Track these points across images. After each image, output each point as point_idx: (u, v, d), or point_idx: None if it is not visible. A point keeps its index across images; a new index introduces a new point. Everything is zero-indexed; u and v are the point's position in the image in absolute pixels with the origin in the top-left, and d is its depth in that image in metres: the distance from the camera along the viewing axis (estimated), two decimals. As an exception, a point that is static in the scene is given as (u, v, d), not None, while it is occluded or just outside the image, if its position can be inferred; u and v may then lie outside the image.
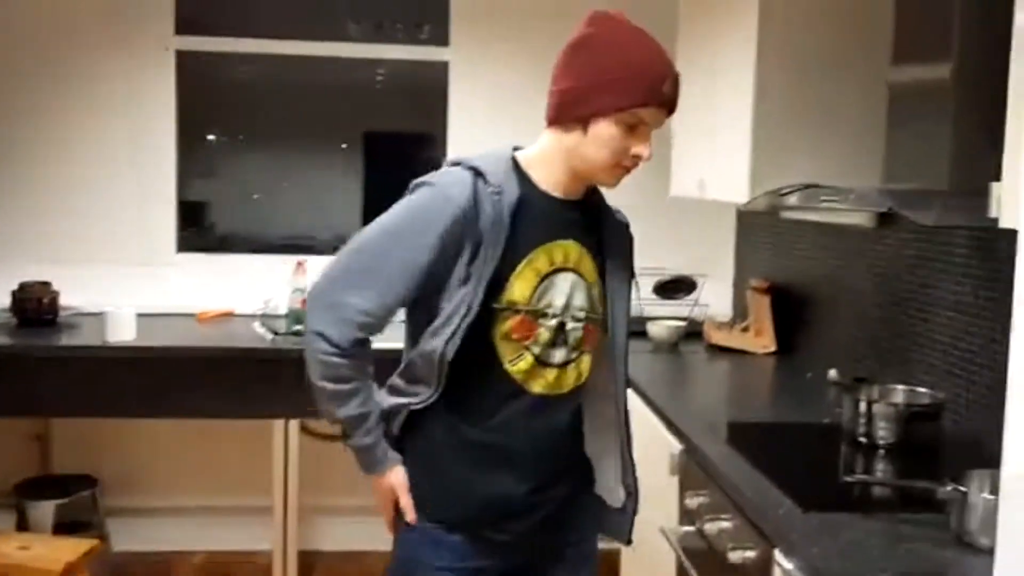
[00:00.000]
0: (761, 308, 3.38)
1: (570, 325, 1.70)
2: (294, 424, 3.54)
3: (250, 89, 4.30)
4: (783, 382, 3.10)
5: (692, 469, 2.23)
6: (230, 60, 4.07)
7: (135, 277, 3.75)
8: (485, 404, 1.69)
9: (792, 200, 2.43)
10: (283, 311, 3.53)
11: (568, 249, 1.70)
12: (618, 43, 1.63)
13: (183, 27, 3.84)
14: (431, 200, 1.62)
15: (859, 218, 2.77)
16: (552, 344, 1.69)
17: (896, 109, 2.19)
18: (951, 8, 1.92)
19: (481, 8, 3.90)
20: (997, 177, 1.59)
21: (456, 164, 1.67)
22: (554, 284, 1.68)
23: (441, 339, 1.61)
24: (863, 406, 2.21)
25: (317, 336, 1.61)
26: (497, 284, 1.62)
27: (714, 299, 3.86)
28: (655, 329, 3.47)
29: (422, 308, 1.67)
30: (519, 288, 1.65)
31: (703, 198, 3.15)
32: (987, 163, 1.63)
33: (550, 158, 1.69)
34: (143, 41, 3.79)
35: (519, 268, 1.65)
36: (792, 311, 3.30)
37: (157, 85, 3.82)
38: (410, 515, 1.72)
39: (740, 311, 3.74)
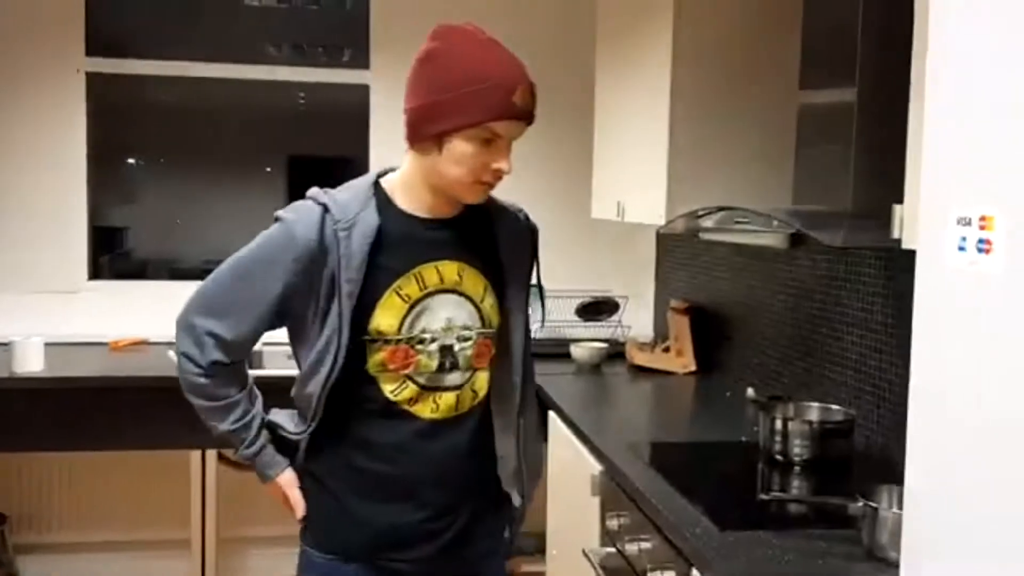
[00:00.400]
0: (681, 328, 3.42)
1: (457, 346, 1.68)
2: (212, 454, 3.47)
3: (173, 112, 4.23)
4: (703, 401, 3.14)
5: (613, 490, 2.23)
6: (152, 83, 3.99)
7: (44, 305, 3.62)
8: (374, 434, 1.68)
9: (708, 222, 2.47)
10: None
11: (444, 269, 1.67)
12: (464, 56, 1.57)
13: (97, 48, 3.75)
14: (278, 236, 1.63)
15: (772, 239, 2.83)
16: (441, 368, 1.67)
17: (804, 132, 2.25)
18: (854, 36, 1.99)
19: (401, 31, 3.89)
20: (899, 199, 1.65)
21: (311, 197, 1.65)
22: (429, 308, 1.65)
23: (317, 383, 1.62)
24: (779, 424, 2.24)
25: (183, 357, 1.67)
26: (362, 316, 1.61)
27: (636, 320, 3.91)
28: (578, 351, 3.49)
29: (296, 345, 1.69)
30: (384, 318, 1.63)
31: (623, 221, 3.18)
32: (890, 186, 1.68)
33: (412, 179, 1.67)
34: (53, 63, 3.69)
35: (383, 297, 1.63)
36: (712, 331, 3.35)
37: (67, 108, 3.71)
38: (299, 511, 1.73)
39: (661, 332, 3.79)
